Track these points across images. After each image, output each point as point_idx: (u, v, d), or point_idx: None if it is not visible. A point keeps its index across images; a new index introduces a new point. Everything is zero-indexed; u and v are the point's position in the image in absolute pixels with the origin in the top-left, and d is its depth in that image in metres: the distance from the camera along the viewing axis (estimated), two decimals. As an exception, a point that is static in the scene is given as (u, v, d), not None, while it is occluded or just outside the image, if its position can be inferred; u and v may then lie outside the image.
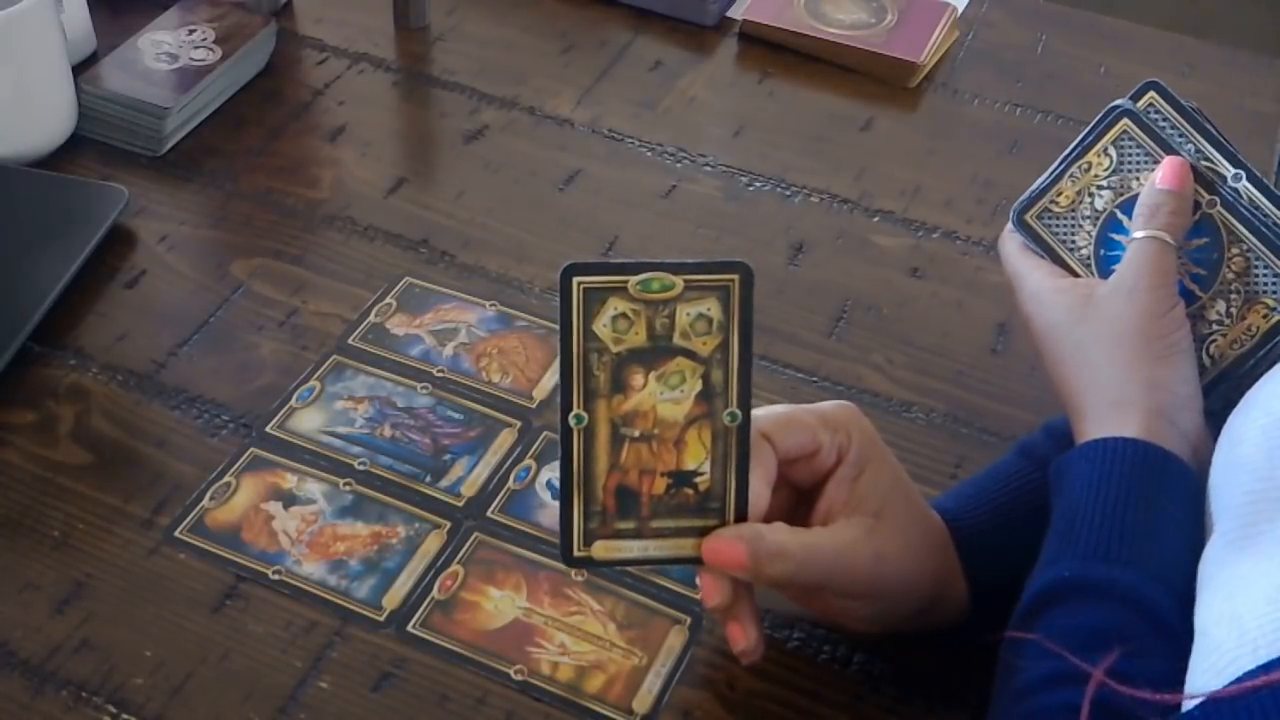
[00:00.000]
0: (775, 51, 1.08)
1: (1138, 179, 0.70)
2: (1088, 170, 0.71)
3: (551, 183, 0.95)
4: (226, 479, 0.75)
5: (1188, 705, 0.49)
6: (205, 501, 0.74)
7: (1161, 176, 0.68)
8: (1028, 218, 0.71)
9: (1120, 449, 0.63)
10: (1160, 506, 0.61)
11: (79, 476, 0.75)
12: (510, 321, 0.85)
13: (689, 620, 0.69)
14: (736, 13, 1.11)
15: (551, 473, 0.76)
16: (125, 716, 0.64)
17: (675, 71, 1.06)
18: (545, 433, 0.78)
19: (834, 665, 0.68)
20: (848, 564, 0.63)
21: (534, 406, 0.79)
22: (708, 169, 0.97)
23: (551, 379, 0.81)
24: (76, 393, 0.79)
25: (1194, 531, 0.60)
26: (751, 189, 0.96)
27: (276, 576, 0.70)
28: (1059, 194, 0.71)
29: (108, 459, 0.76)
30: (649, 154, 0.98)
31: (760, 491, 0.62)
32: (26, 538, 0.72)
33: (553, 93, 1.03)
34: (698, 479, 0.61)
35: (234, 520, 0.73)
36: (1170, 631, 0.56)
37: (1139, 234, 0.67)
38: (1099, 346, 0.66)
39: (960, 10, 1.13)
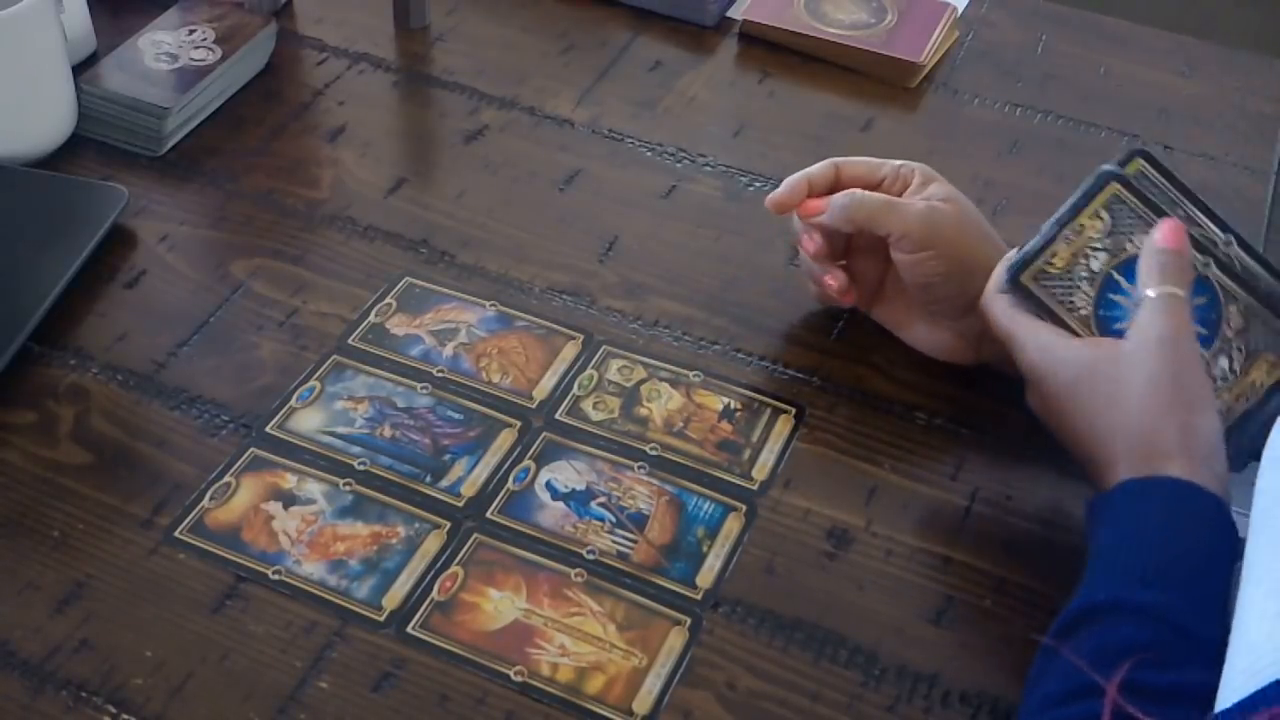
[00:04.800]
0: (775, 51, 1.08)
1: (1131, 241, 0.72)
2: (1080, 233, 0.72)
3: (551, 183, 0.95)
4: (226, 479, 0.75)
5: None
6: (205, 501, 0.74)
7: (1161, 237, 0.70)
8: (1023, 279, 0.72)
9: (1161, 486, 0.64)
10: (1201, 541, 0.63)
11: (79, 476, 0.75)
12: (510, 321, 0.85)
13: (689, 621, 0.69)
14: (736, 13, 1.11)
15: (550, 473, 0.76)
16: (125, 716, 0.64)
17: (675, 71, 1.06)
18: (545, 433, 0.78)
19: (834, 665, 0.68)
20: (903, 207, 0.78)
21: (534, 406, 0.79)
22: (708, 169, 0.97)
23: (551, 379, 0.81)
24: (76, 393, 0.79)
25: (1233, 566, 0.62)
26: (751, 189, 0.96)
27: (276, 576, 0.70)
28: (1054, 256, 0.72)
29: (108, 459, 0.76)
30: (649, 154, 0.98)
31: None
32: (26, 538, 0.72)
33: (553, 93, 1.03)
34: None
35: (234, 520, 0.73)
36: (1207, 647, 0.56)
37: (1152, 292, 0.69)
38: (1133, 397, 0.66)
39: (960, 10, 1.13)
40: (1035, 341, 0.71)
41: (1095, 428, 0.68)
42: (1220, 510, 0.64)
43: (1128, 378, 0.67)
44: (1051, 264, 0.72)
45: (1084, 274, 0.72)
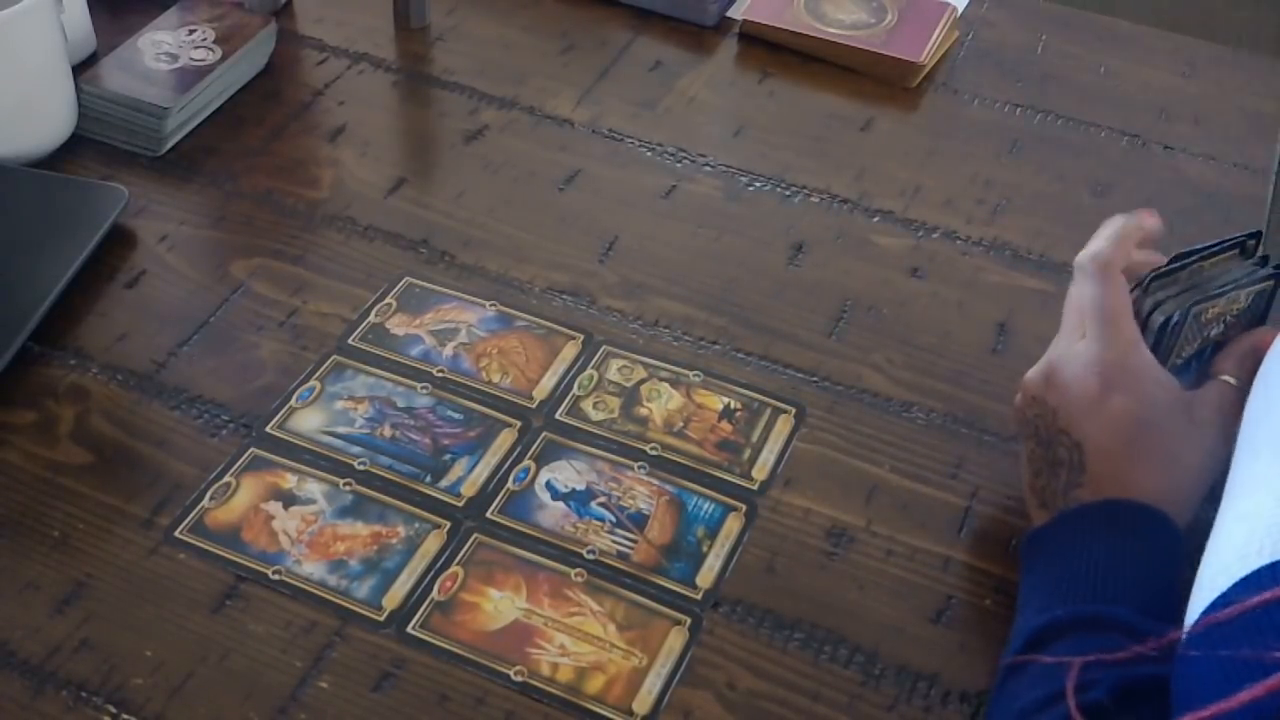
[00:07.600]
0: (775, 51, 1.08)
1: (1234, 329, 0.73)
2: (1234, 302, 0.72)
3: (551, 183, 0.95)
4: (226, 479, 0.75)
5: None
6: (205, 501, 0.74)
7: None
8: (1195, 310, 0.71)
9: (1097, 508, 0.66)
10: (1147, 550, 0.64)
11: (79, 476, 0.75)
12: (510, 321, 0.85)
13: (689, 620, 0.69)
14: (736, 13, 1.11)
15: (550, 473, 0.76)
16: (125, 716, 0.64)
17: (675, 71, 1.06)
18: (545, 433, 0.78)
19: (834, 665, 0.68)
20: None
21: (534, 406, 0.79)
22: (708, 169, 0.97)
23: (551, 379, 0.81)
24: (76, 393, 0.79)
25: (1179, 572, 0.63)
26: (751, 189, 0.96)
27: (276, 576, 0.70)
28: (1214, 306, 0.71)
29: (108, 459, 0.76)
30: (649, 154, 0.98)
31: None
32: (26, 538, 0.72)
33: (553, 93, 1.03)
34: None
35: (234, 520, 0.73)
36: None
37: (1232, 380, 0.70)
38: (1183, 455, 0.68)
39: (960, 10, 1.13)
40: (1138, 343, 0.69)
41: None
42: (1161, 518, 0.65)
43: (1188, 437, 0.68)
44: (1206, 310, 0.70)
45: (1205, 333, 0.71)
